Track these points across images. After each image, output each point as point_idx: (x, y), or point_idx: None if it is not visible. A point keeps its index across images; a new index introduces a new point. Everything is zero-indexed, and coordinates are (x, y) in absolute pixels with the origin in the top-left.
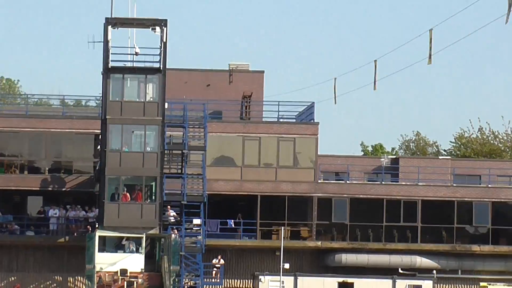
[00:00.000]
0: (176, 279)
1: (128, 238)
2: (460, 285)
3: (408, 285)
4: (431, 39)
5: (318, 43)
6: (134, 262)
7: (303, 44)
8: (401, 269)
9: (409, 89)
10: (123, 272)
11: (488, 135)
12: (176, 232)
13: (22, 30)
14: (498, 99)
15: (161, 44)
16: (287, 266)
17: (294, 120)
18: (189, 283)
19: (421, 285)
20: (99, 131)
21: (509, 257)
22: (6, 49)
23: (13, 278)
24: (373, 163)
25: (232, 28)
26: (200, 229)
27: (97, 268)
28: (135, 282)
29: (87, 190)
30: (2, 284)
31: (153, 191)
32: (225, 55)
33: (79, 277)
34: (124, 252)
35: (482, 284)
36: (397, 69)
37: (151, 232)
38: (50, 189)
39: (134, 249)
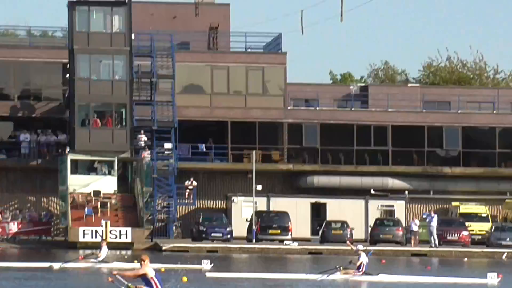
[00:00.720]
0: (149, 200)
1: (100, 162)
2: (431, 205)
3: (381, 205)
4: None
5: None
6: (107, 184)
7: None
8: (373, 190)
9: (376, 19)
10: (96, 193)
11: (457, 63)
12: (147, 150)
13: None
14: (466, 29)
15: None
16: (259, 187)
17: (263, 50)
18: (162, 204)
19: (393, 205)
20: (67, 60)
21: (480, 178)
22: None
23: None
24: (343, 90)
25: None
26: (171, 153)
27: (70, 190)
28: (108, 202)
29: (57, 116)
30: None
31: (124, 117)
32: None
33: (52, 198)
34: (97, 174)
35: (454, 203)
36: (364, 1)
37: (122, 155)
38: (20, 115)
39: (107, 172)
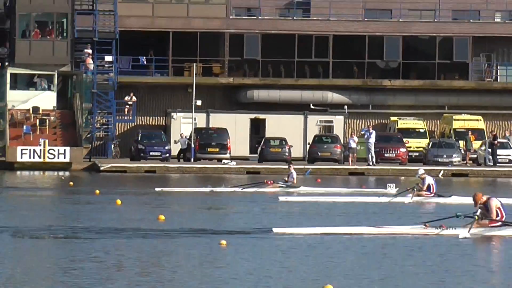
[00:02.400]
0: (89, 117)
1: (40, 76)
2: (370, 120)
3: (320, 120)
4: None
5: None
6: (46, 99)
7: None
8: (313, 105)
9: None
10: (35, 109)
11: None
12: (89, 59)
13: None
14: None
15: None
16: (199, 103)
17: None
18: (101, 121)
19: (332, 120)
20: None
21: (419, 91)
22: None
23: None
24: None
25: None
26: (112, 66)
27: (9, 106)
28: (47, 120)
29: None
30: None
31: (65, 28)
32: None
33: None
34: (36, 89)
35: (392, 118)
36: None
37: (63, 69)
38: None
39: (46, 87)
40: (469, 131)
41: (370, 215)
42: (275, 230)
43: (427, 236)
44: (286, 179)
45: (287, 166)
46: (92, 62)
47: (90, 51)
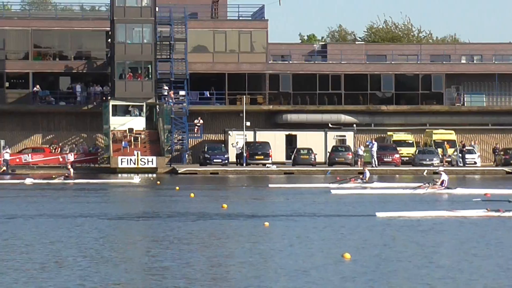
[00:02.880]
0: (169, 135)
1: (133, 106)
2: (373, 135)
3: (336, 135)
4: None
5: None
6: (138, 123)
7: None
8: (331, 124)
9: None
10: (130, 130)
11: (391, 25)
12: (172, 94)
13: None
14: None
15: None
16: (248, 124)
17: (250, 18)
18: (178, 137)
19: (345, 135)
20: (109, 28)
21: (408, 113)
22: None
23: (51, 136)
24: (308, 48)
25: None
26: (184, 99)
27: (111, 128)
28: (139, 137)
29: (102, 71)
30: (44, 140)
31: (150, 71)
32: None
33: (99, 134)
34: (130, 116)
35: (388, 133)
36: None
37: (149, 101)
38: (75, 71)
39: (138, 114)
40: (445, 142)
41: (413, 202)
42: (378, 214)
43: (492, 217)
44: (361, 177)
45: (362, 168)
46: (172, 95)
47: (167, 87)
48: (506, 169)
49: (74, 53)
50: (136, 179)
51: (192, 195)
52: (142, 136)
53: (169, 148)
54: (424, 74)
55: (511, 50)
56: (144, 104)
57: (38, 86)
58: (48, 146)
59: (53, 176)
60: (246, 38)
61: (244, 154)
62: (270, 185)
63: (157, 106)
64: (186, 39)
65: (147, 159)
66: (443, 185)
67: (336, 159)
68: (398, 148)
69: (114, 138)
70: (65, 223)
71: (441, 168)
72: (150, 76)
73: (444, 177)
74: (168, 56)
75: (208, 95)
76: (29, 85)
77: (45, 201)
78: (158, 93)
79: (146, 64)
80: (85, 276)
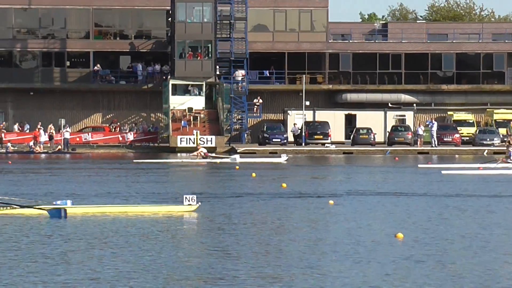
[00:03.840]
0: (228, 114)
1: (192, 85)
2: (433, 114)
3: (395, 115)
4: None
5: None
6: (197, 102)
7: None
8: (390, 104)
9: None
10: (190, 109)
11: (453, 4)
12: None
13: None
14: None
15: None
16: (307, 103)
17: None
18: (237, 117)
19: (404, 115)
20: (170, 8)
21: (468, 93)
22: None
23: (111, 115)
24: (369, 27)
25: None
26: (244, 78)
27: (171, 107)
28: (198, 117)
29: (162, 51)
30: (104, 119)
31: (210, 50)
32: None
33: (158, 114)
34: (190, 95)
35: (449, 113)
36: None
37: (209, 80)
38: (135, 50)
39: (197, 93)
40: (510, 121)
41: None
42: None
43: None
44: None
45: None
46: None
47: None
48: None
49: (135, 32)
50: (283, 157)
51: (253, 174)
52: (202, 115)
53: (228, 128)
54: (485, 53)
55: None
56: (204, 83)
57: (98, 65)
58: (108, 125)
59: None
60: (306, 17)
61: (303, 134)
62: (419, 166)
63: (217, 85)
64: (246, 18)
65: (206, 138)
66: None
67: (396, 139)
68: (458, 128)
69: (173, 117)
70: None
71: None
72: (210, 55)
73: None
74: (228, 35)
75: (268, 75)
76: (89, 64)
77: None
78: (218, 72)
79: (206, 43)
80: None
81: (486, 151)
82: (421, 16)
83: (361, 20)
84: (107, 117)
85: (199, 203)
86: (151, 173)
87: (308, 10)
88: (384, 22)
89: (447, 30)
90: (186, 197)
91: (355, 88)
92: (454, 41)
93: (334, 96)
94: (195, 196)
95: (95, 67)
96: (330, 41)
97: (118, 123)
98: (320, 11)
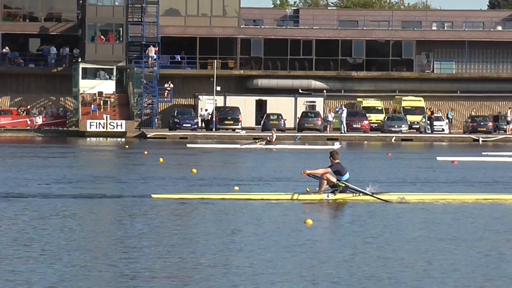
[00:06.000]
0: (139, 99)
1: (103, 69)
2: (342, 101)
3: (306, 101)
4: None
5: None
6: (108, 86)
7: None
8: (301, 90)
9: None
10: (100, 93)
11: None
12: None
13: None
14: None
15: None
16: (218, 88)
17: None
18: (148, 101)
19: (315, 101)
20: None
21: (378, 79)
22: None
23: (19, 98)
24: (280, 13)
25: None
26: (155, 62)
27: (81, 91)
28: (108, 101)
29: (73, 34)
30: (12, 102)
31: (121, 34)
32: None
33: (68, 97)
34: (100, 79)
35: (358, 99)
36: None
37: (119, 64)
38: (45, 33)
39: (108, 77)
40: (428, 110)
41: None
42: None
43: None
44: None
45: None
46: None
47: (154, 49)
48: (473, 136)
49: (45, 15)
50: (337, 145)
51: (161, 160)
52: (112, 99)
53: (138, 112)
54: (395, 40)
55: (482, 17)
56: (115, 67)
57: (7, 47)
58: (16, 108)
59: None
60: (218, 2)
61: (214, 119)
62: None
63: (128, 69)
64: (158, 2)
65: (116, 123)
66: None
67: (306, 125)
68: (367, 115)
69: (83, 102)
70: None
71: None
72: (121, 39)
73: None
74: (140, 19)
75: (179, 59)
76: None
77: None
78: (129, 57)
79: (118, 27)
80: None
81: (394, 137)
82: (332, 3)
83: (273, 6)
84: (16, 100)
85: None
86: (59, 157)
87: None
88: (295, 8)
89: (358, 17)
90: None
91: (266, 73)
92: (364, 28)
93: (245, 82)
94: None
95: (4, 50)
96: (242, 26)
97: (28, 107)
98: None
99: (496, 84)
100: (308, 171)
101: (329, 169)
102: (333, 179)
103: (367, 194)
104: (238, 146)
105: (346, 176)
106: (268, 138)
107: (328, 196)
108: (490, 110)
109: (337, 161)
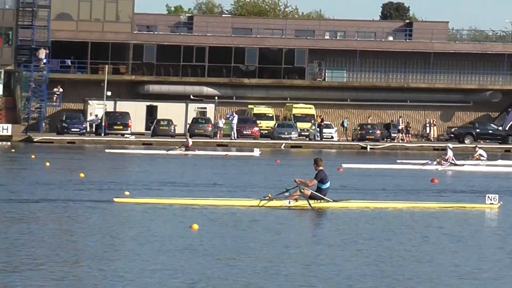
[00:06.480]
0: (26, 103)
1: None
2: (234, 107)
3: (197, 107)
4: None
5: None
6: None
7: None
8: (192, 96)
9: None
10: None
11: None
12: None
13: None
14: None
15: None
16: (109, 93)
17: None
18: (36, 105)
19: (206, 107)
20: None
21: (269, 87)
22: None
23: None
24: (175, 19)
25: None
26: (45, 66)
27: None
28: None
29: None
30: None
31: (10, 38)
32: None
33: None
34: None
35: (249, 106)
36: None
37: (8, 68)
38: None
39: None
40: (318, 117)
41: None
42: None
43: None
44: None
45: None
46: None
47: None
48: (361, 144)
49: None
50: (257, 152)
51: (47, 164)
52: None
53: (25, 116)
54: (288, 48)
55: (374, 28)
56: (3, 71)
57: None
58: None
59: None
60: (112, 7)
61: (103, 124)
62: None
63: (16, 73)
64: (50, 6)
65: (2, 126)
66: (448, 161)
67: (196, 130)
68: (258, 121)
69: None
70: None
71: (450, 145)
72: (10, 42)
73: (450, 154)
74: (31, 23)
75: (70, 63)
76: None
77: None
78: (18, 60)
79: (7, 30)
80: None
81: (283, 144)
82: (227, 10)
83: (167, 12)
84: None
85: None
86: None
87: (114, 1)
88: (190, 15)
89: (252, 25)
90: None
91: (158, 79)
92: (258, 36)
93: (137, 87)
94: None
95: None
96: (135, 32)
97: None
98: (126, 1)
99: (385, 93)
100: (298, 180)
101: (315, 181)
102: (309, 192)
103: (328, 201)
104: (164, 152)
105: (327, 184)
106: (185, 144)
107: (289, 203)
108: (379, 119)
109: (321, 168)
